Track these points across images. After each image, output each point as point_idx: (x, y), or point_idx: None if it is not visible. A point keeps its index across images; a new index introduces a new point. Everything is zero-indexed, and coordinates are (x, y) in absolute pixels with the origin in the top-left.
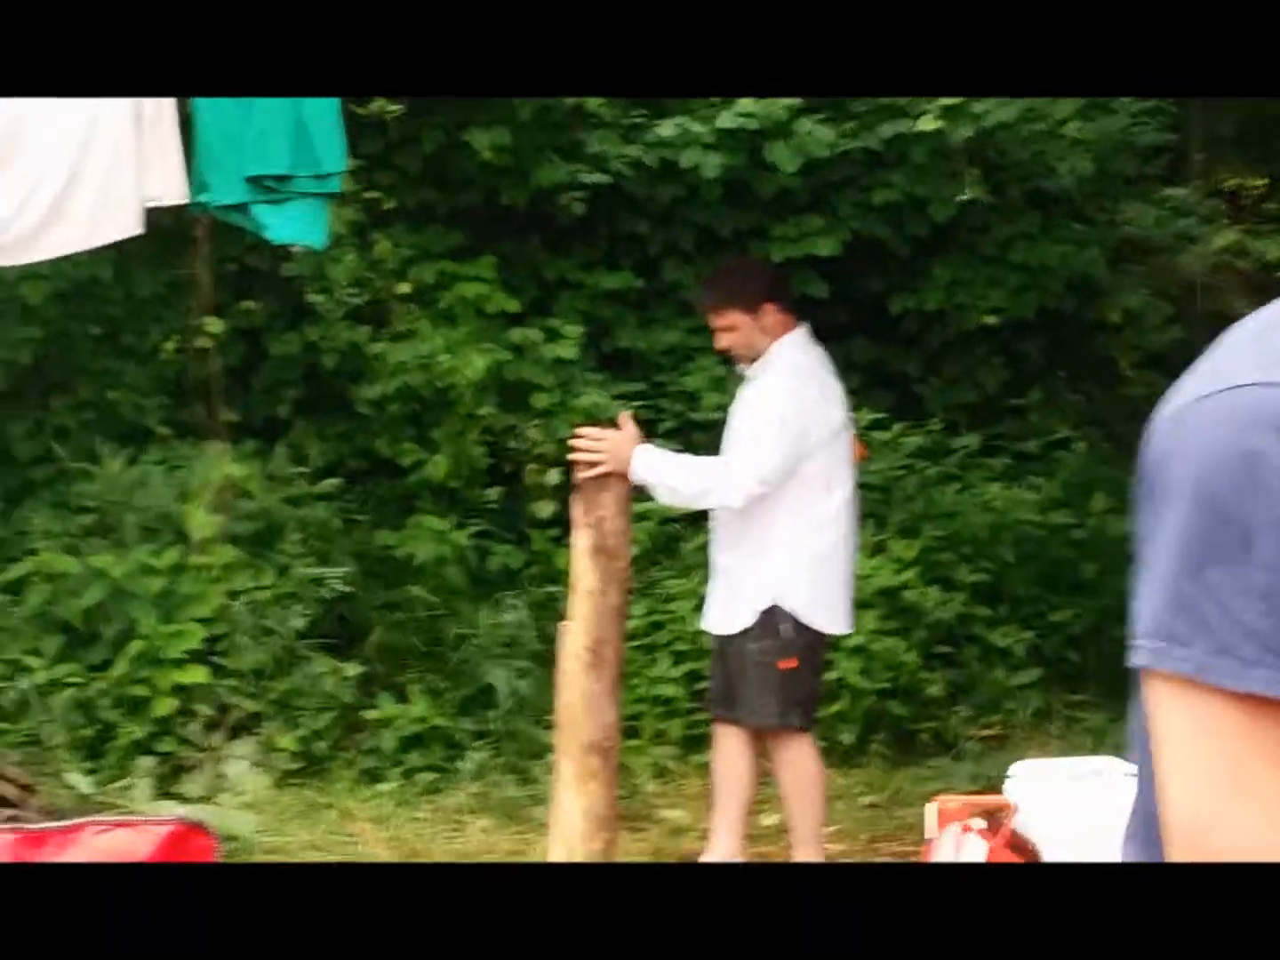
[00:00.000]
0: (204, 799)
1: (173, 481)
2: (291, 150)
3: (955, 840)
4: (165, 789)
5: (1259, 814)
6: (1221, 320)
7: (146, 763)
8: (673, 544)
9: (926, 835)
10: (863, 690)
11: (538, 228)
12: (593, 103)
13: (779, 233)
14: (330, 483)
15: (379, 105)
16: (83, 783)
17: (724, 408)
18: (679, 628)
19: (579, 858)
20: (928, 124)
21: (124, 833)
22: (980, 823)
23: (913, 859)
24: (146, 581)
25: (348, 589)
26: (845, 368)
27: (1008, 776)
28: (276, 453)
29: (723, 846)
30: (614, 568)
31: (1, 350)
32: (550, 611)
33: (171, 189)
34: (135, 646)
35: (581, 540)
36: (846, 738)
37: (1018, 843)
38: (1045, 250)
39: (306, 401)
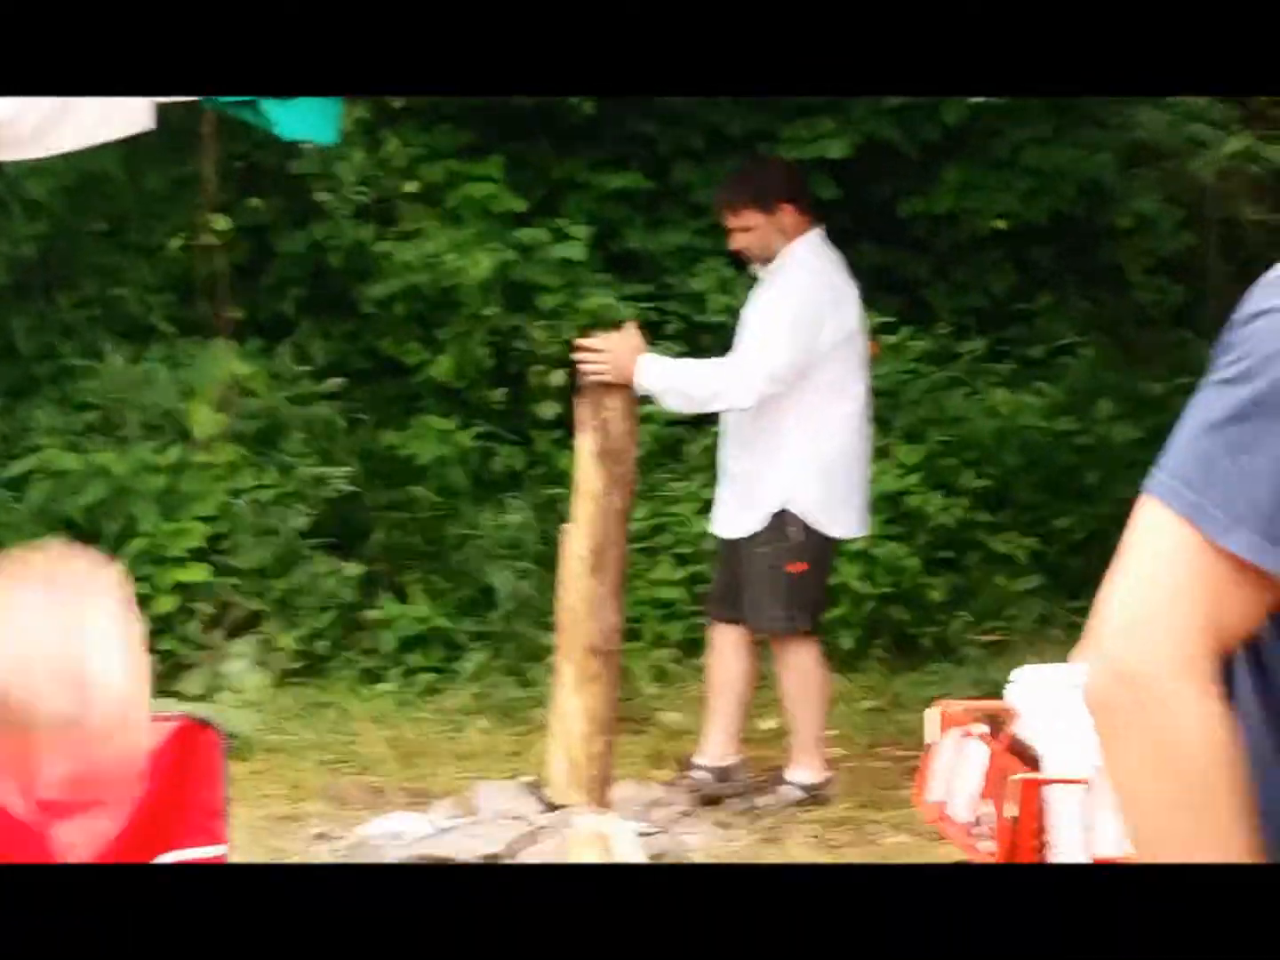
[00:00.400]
0: (203, 697)
1: (176, 379)
2: None
3: (956, 745)
4: (165, 687)
5: (1177, 649)
6: (1233, 227)
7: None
8: (677, 447)
9: (927, 740)
10: (864, 595)
11: (546, 127)
12: None
13: (790, 134)
14: (334, 382)
15: None
16: None
17: (731, 310)
18: (682, 531)
19: (578, 759)
20: None
21: None
22: (982, 728)
23: (912, 764)
24: (149, 479)
25: (350, 489)
26: (854, 271)
27: (1010, 682)
28: (281, 351)
29: (715, 750)
30: (618, 471)
31: (6, 245)
32: (553, 513)
33: None
34: (137, 544)
35: (586, 443)
36: (847, 642)
37: (1019, 748)
38: (1056, 154)
39: (312, 300)
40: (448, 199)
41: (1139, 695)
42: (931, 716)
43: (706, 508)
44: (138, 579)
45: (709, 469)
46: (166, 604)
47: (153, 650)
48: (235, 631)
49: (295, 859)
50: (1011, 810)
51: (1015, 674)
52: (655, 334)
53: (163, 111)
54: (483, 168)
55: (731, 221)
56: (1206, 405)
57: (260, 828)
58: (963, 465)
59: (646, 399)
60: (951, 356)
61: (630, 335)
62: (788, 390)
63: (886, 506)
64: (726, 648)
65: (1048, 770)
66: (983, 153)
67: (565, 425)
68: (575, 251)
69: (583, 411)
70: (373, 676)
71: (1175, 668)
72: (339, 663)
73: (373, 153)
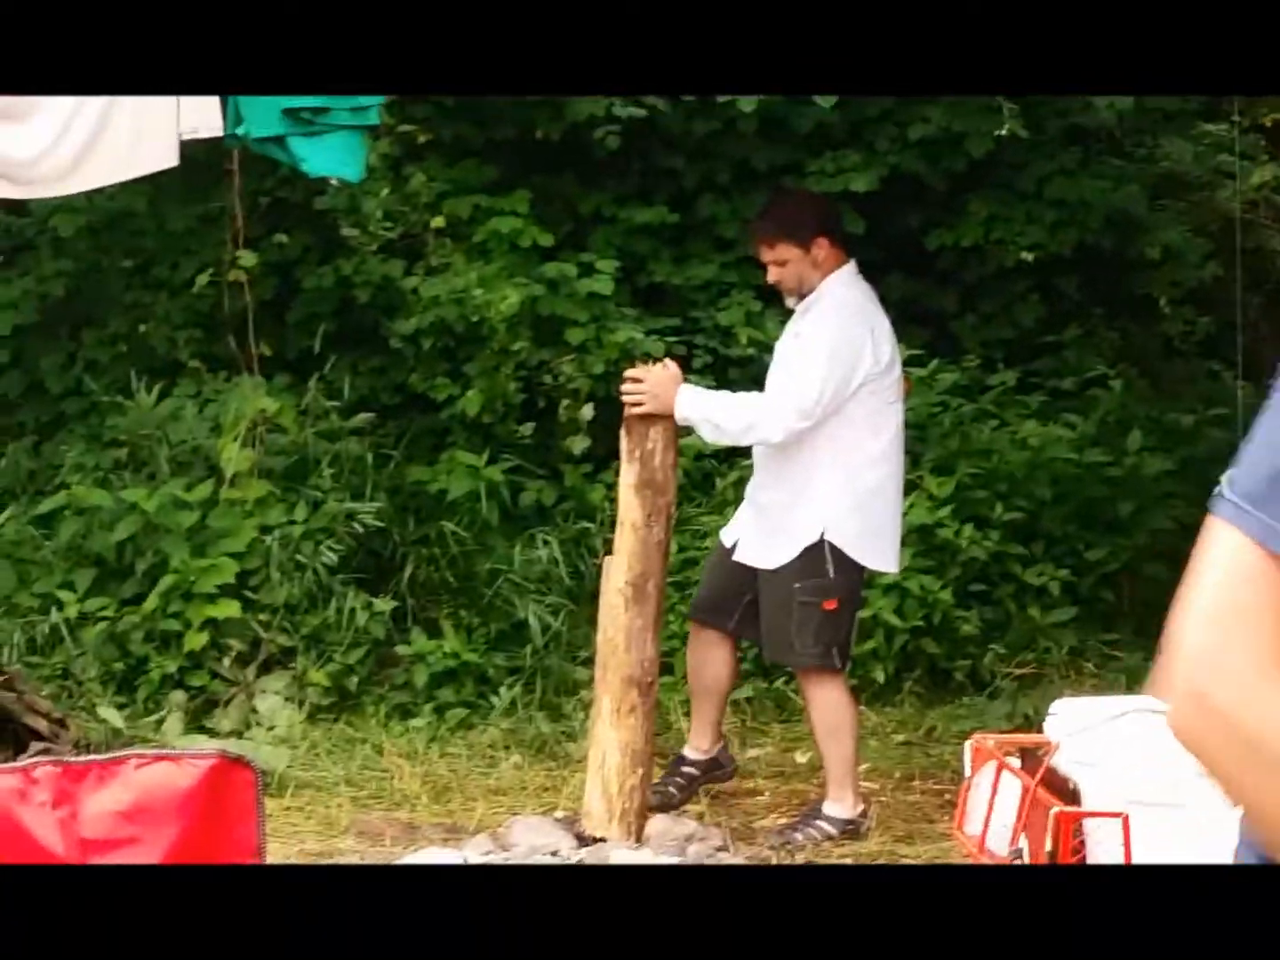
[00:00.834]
0: (235, 733)
1: (205, 415)
2: None
3: (993, 779)
4: (197, 723)
5: (1257, 673)
6: (1261, 257)
7: (178, 697)
8: (708, 480)
9: (965, 773)
10: (896, 628)
11: (572, 161)
12: None
13: (815, 167)
14: (363, 417)
15: None
16: (114, 717)
17: (758, 344)
18: None
19: (615, 792)
20: None
21: (165, 766)
22: (1016, 761)
23: (948, 797)
24: (179, 515)
25: (380, 524)
26: (881, 304)
27: (1049, 714)
28: (309, 387)
29: (703, 742)
30: (660, 502)
31: (34, 283)
32: (583, 547)
33: (208, 121)
34: (167, 580)
35: (628, 474)
36: (880, 676)
37: (1056, 781)
38: (1083, 186)
39: (339, 336)
40: (474, 234)
41: (1226, 723)
42: (968, 750)
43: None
44: (168, 615)
45: (739, 503)
46: (197, 640)
47: (184, 686)
48: (266, 667)
49: None
50: (1049, 844)
51: (1054, 706)
52: (683, 368)
53: (187, 148)
54: (509, 202)
55: (766, 255)
56: (1270, 424)
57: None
58: (994, 497)
59: (680, 432)
60: (981, 389)
61: (670, 367)
62: (822, 424)
63: (918, 539)
64: (715, 654)
65: (1086, 803)
66: (1009, 184)
67: (594, 460)
68: (603, 286)
69: (625, 443)
70: (404, 712)
71: (1257, 688)
72: (371, 699)
73: (398, 188)
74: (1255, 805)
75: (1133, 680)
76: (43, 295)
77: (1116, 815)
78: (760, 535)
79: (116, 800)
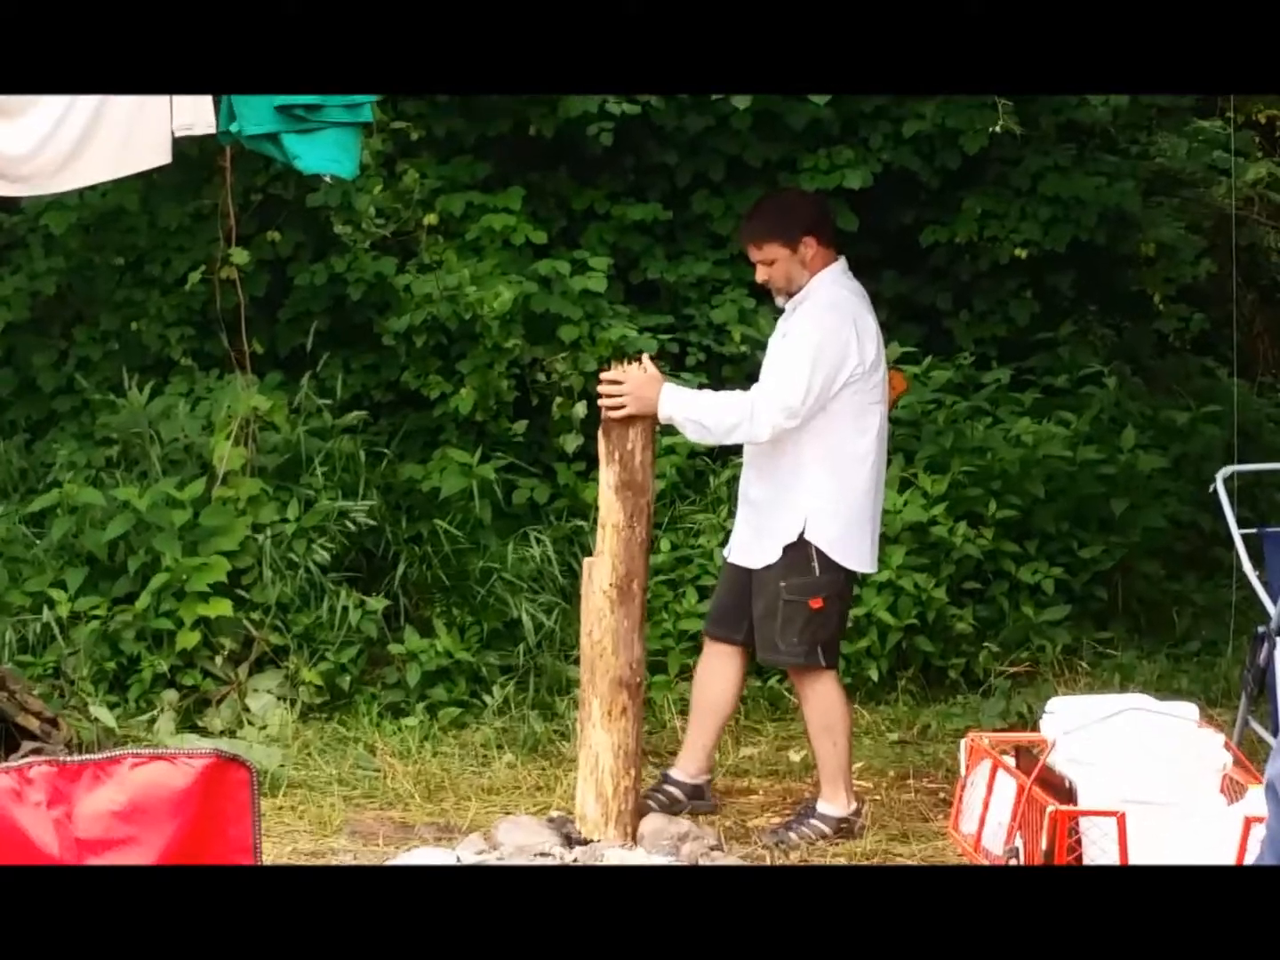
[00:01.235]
0: (228, 732)
1: (197, 413)
2: None
3: (989, 777)
4: (189, 722)
5: None
6: (1255, 254)
7: (170, 696)
8: (700, 478)
9: (960, 772)
10: (890, 626)
11: (565, 158)
12: None
13: (809, 164)
14: (355, 415)
15: None
16: (106, 716)
17: (752, 341)
18: (705, 562)
19: (608, 794)
20: None
21: (161, 765)
22: (1011, 760)
23: (943, 795)
24: (170, 514)
25: (372, 522)
26: (875, 301)
27: (1045, 712)
28: (302, 385)
29: (692, 766)
30: (641, 502)
31: (26, 281)
32: (576, 545)
33: (201, 118)
34: (159, 579)
35: (609, 476)
36: (874, 674)
37: (1052, 779)
38: (1077, 182)
39: (332, 333)
40: (467, 230)
41: None
42: (964, 748)
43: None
44: (160, 614)
45: (731, 501)
46: (190, 639)
47: (177, 685)
48: (259, 666)
49: None
50: (1045, 842)
51: (1050, 705)
52: (676, 365)
53: (180, 145)
54: (502, 199)
55: (755, 255)
56: None
57: (286, 863)
58: (988, 495)
59: (668, 430)
60: (975, 386)
61: (649, 367)
62: (807, 422)
63: (912, 537)
64: (722, 670)
65: (1082, 802)
66: (1003, 181)
67: (587, 457)
68: (596, 283)
69: (604, 445)
70: (397, 711)
71: None
72: (363, 697)
73: (391, 185)
74: None
75: (1126, 678)
76: (34, 293)
77: (1112, 814)
78: (750, 534)
79: (112, 800)
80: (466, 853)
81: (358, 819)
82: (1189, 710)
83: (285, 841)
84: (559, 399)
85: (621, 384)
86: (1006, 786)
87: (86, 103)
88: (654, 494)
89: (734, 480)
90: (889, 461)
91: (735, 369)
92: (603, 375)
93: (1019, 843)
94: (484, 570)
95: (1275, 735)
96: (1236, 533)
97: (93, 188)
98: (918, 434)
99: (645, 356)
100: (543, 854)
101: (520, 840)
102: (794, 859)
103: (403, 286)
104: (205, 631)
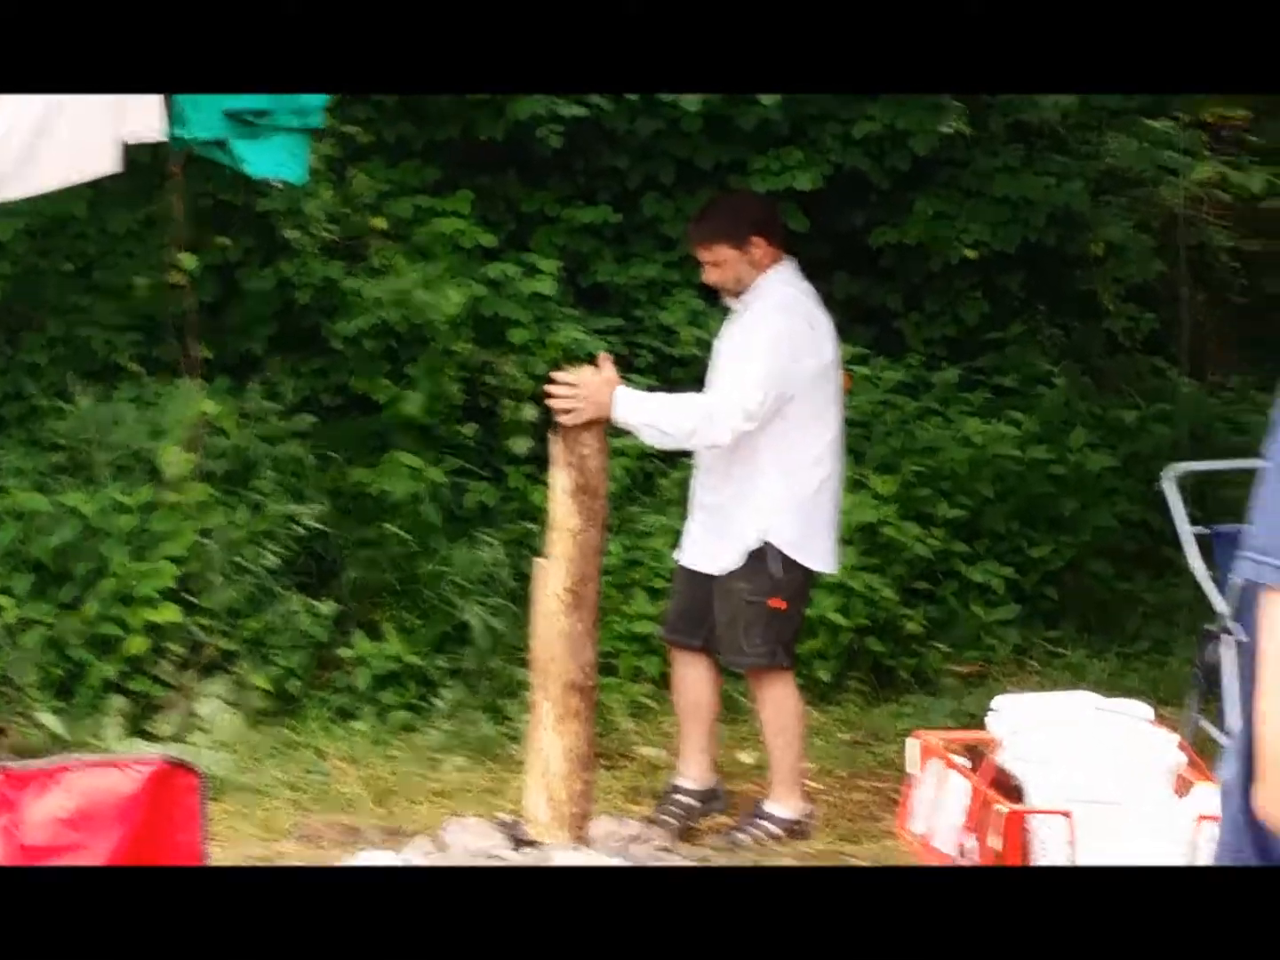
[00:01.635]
0: (176, 738)
1: (145, 419)
2: None
3: (938, 777)
4: (137, 728)
5: None
6: (1204, 253)
7: (118, 702)
8: (650, 480)
9: (908, 771)
10: (841, 627)
11: (515, 161)
12: None
13: (759, 165)
14: (304, 419)
15: None
16: (54, 722)
17: (702, 343)
18: (656, 565)
19: (558, 797)
20: None
21: (109, 771)
22: (963, 759)
23: (893, 795)
24: (118, 519)
25: (322, 526)
26: (825, 302)
27: (991, 710)
28: (250, 389)
29: (696, 771)
30: (595, 506)
31: None
32: (526, 548)
33: (150, 124)
34: (107, 585)
35: (562, 479)
36: (824, 675)
37: (1001, 778)
38: (1027, 183)
39: (281, 338)
40: (416, 234)
41: None
42: (912, 747)
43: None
44: (108, 620)
45: (682, 503)
46: (138, 645)
47: (124, 691)
48: (207, 671)
49: None
50: (996, 841)
51: (996, 702)
52: (626, 368)
53: (129, 152)
54: (451, 203)
55: (703, 256)
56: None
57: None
58: (937, 495)
59: (619, 431)
60: (925, 386)
61: (605, 370)
62: (764, 424)
63: (862, 538)
64: (692, 674)
65: (1031, 800)
66: (953, 182)
67: (537, 460)
68: (545, 286)
69: (557, 448)
70: (346, 715)
71: None
72: (312, 702)
73: (340, 189)
74: None
75: (1076, 677)
76: None
77: (1062, 812)
78: (708, 539)
79: (60, 806)
80: (414, 855)
81: (306, 823)
82: (1142, 709)
83: (233, 846)
84: (509, 402)
85: (576, 387)
86: (956, 786)
87: (33, 111)
88: (607, 497)
89: (685, 482)
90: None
91: (685, 371)
92: (556, 378)
93: (970, 842)
94: (433, 574)
95: (1225, 733)
96: (1186, 531)
97: (41, 195)
98: (868, 435)
99: (603, 357)
100: (492, 856)
101: (469, 843)
102: (746, 859)
103: (352, 291)
104: (153, 637)
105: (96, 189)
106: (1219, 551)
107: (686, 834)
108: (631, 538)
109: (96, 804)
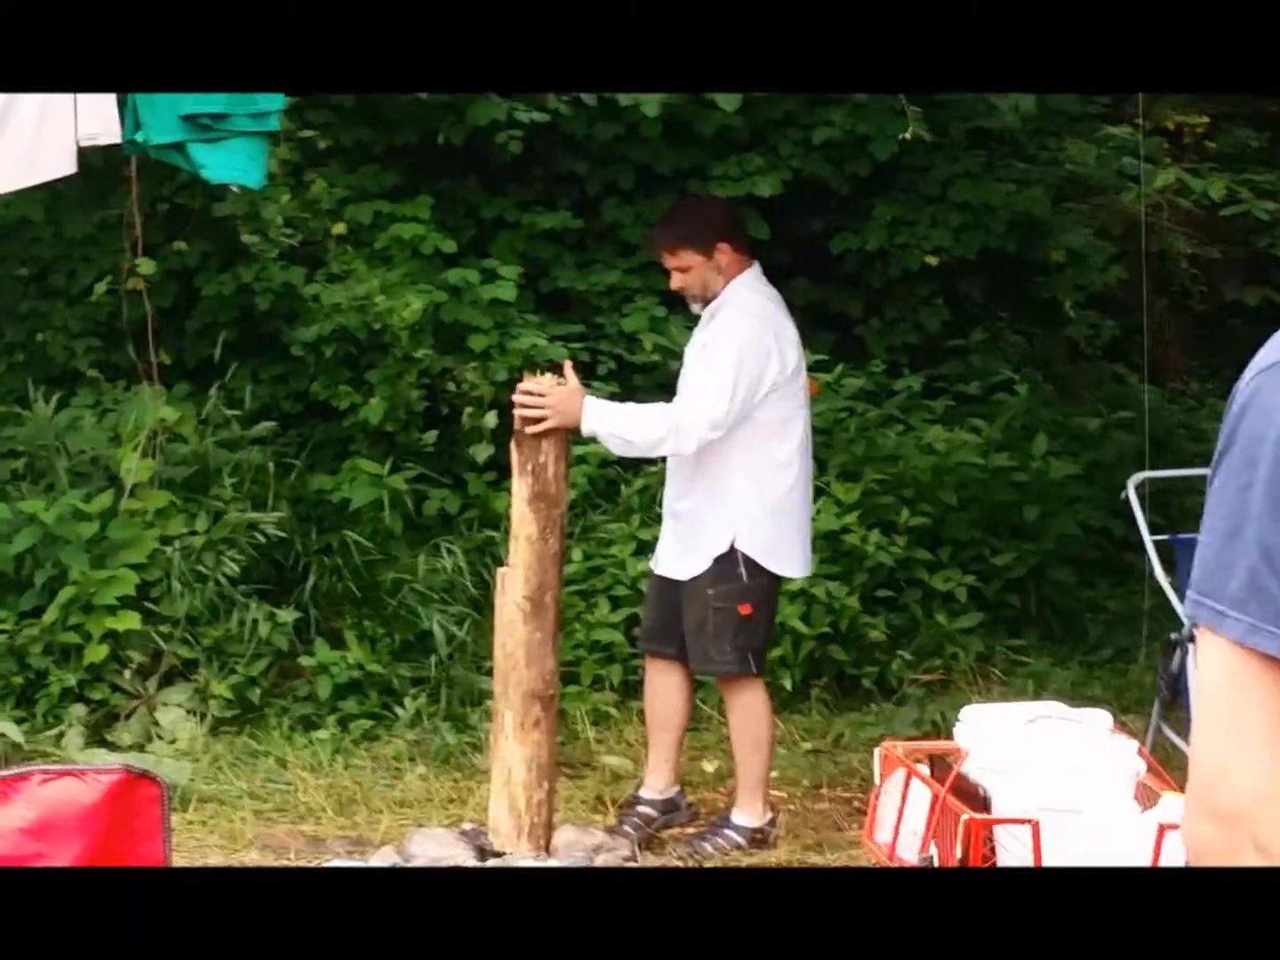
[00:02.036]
0: (137, 747)
1: (104, 425)
2: None
3: (903, 786)
4: (97, 737)
5: (1267, 774)
6: (1165, 260)
7: (79, 710)
8: (612, 488)
9: (874, 780)
10: (803, 635)
11: (474, 167)
12: None
13: (719, 171)
14: (264, 426)
15: None
16: (13, 731)
17: (663, 349)
18: (618, 572)
19: (521, 807)
20: None
21: (70, 781)
22: (925, 768)
23: (857, 804)
24: (78, 527)
25: (282, 534)
26: (786, 308)
27: (958, 721)
28: (210, 396)
29: (659, 782)
30: (554, 514)
31: None
32: (488, 556)
33: (107, 128)
34: (67, 593)
35: (521, 488)
36: (787, 683)
37: (966, 788)
38: (987, 189)
39: (240, 344)
40: (376, 240)
41: (1231, 837)
42: (877, 757)
43: (642, 549)
44: (68, 628)
45: (645, 510)
46: (98, 653)
47: (85, 700)
48: (168, 680)
49: None
50: (960, 851)
51: (963, 713)
52: (588, 374)
53: (86, 155)
54: (411, 208)
55: (669, 262)
56: (1226, 511)
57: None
58: (900, 503)
59: (581, 439)
60: (886, 393)
61: (570, 379)
62: (731, 430)
63: (825, 546)
64: (665, 683)
65: (996, 810)
66: (913, 188)
67: (499, 467)
68: (505, 292)
69: (516, 456)
70: (308, 724)
71: (1261, 801)
72: (274, 710)
73: (299, 194)
74: None
75: (1040, 685)
76: None
77: (1026, 821)
78: (677, 546)
79: (20, 817)
80: (377, 865)
81: (269, 833)
82: (1102, 718)
83: (195, 856)
84: (469, 409)
85: (543, 396)
86: (920, 795)
87: None
88: (567, 505)
89: (646, 489)
90: None
91: (646, 378)
92: (520, 386)
93: (934, 851)
94: (395, 581)
95: (1188, 742)
96: (1148, 539)
97: None
98: (830, 442)
99: (568, 365)
100: (452, 866)
101: (433, 853)
102: (709, 867)
103: (311, 296)
104: (113, 645)
105: (52, 192)
106: (1181, 559)
107: (650, 843)
108: (593, 545)
109: (58, 814)
